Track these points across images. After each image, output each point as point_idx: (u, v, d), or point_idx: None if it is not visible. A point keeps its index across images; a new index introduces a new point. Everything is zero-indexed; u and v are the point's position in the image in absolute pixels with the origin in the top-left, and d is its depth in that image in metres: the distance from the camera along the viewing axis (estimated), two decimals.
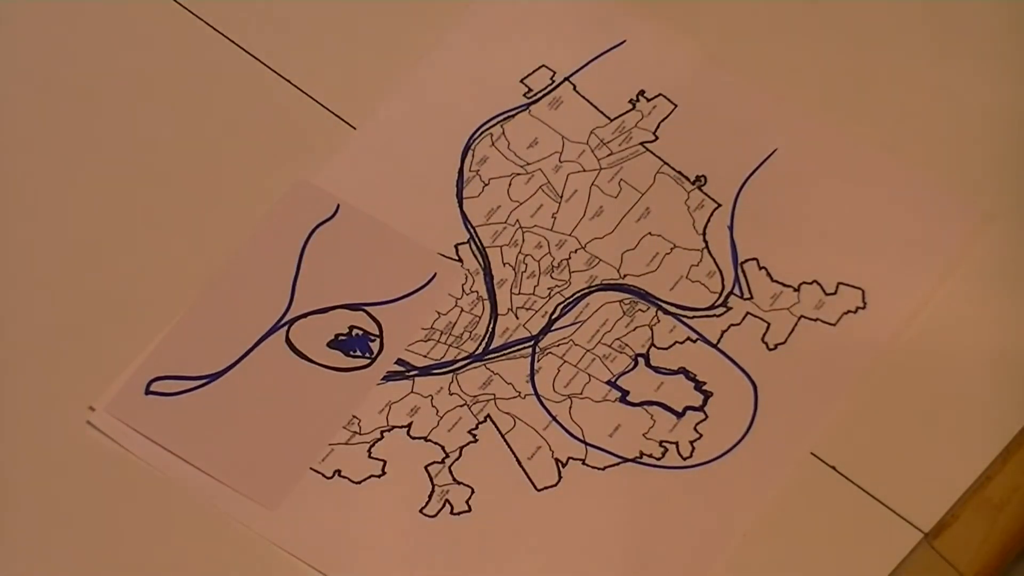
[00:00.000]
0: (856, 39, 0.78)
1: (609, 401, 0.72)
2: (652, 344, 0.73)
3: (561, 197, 0.76)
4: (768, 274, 0.74)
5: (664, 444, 0.71)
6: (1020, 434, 0.70)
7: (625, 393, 0.72)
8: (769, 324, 0.73)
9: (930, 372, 0.72)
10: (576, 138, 0.77)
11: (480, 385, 0.72)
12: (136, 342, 0.72)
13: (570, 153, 0.76)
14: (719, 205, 0.75)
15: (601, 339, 0.73)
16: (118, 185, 0.76)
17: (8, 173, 0.76)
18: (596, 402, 0.72)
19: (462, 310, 0.74)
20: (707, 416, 0.71)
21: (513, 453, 0.71)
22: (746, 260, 0.74)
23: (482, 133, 0.77)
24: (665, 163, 0.76)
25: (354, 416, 0.72)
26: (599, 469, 0.71)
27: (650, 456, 0.71)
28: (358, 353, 0.73)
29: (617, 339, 0.73)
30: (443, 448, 0.71)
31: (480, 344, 0.73)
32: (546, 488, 0.70)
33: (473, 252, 0.75)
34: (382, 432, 0.71)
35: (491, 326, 0.73)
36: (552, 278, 0.74)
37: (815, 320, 0.73)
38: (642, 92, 0.77)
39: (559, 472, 0.71)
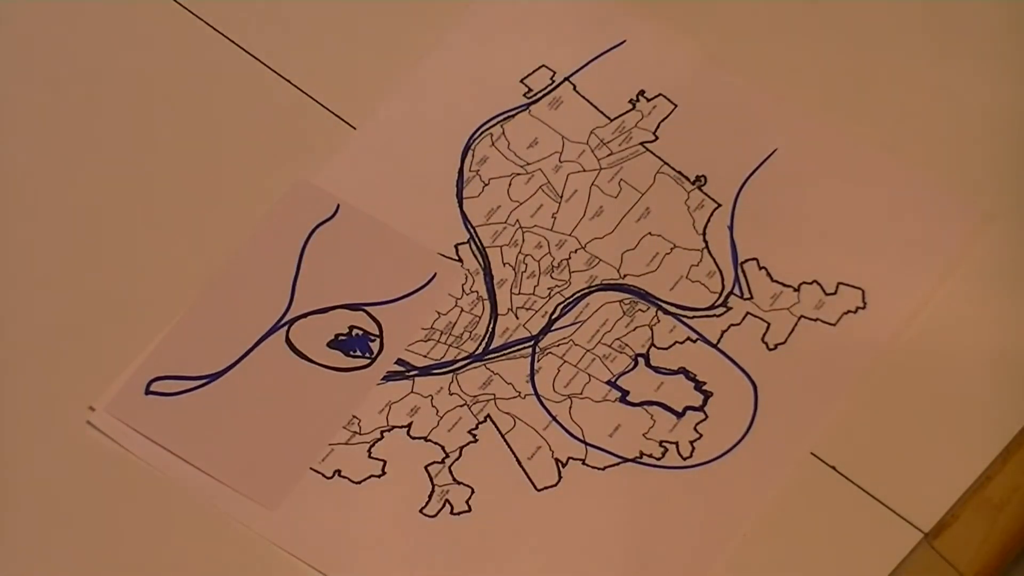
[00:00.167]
0: (856, 39, 0.78)
1: (609, 401, 0.72)
2: (652, 344, 0.73)
3: (561, 197, 0.76)
4: (768, 274, 0.74)
5: (664, 444, 0.71)
6: (1020, 434, 0.70)
7: (625, 393, 0.72)
8: (769, 324, 0.73)
9: (930, 372, 0.72)
10: (576, 138, 0.77)
11: (480, 385, 0.72)
12: (136, 342, 0.72)
13: (570, 153, 0.76)
14: (719, 205, 0.75)
15: (601, 339, 0.73)
16: (118, 185, 0.76)
17: (8, 173, 0.76)
18: (596, 402, 0.72)
19: (462, 310, 0.74)
20: (707, 416, 0.71)
21: (513, 453, 0.71)
22: (746, 260, 0.74)
23: (482, 133, 0.77)
24: (665, 163, 0.76)
25: (354, 416, 0.72)
26: (599, 469, 0.71)
27: (650, 456, 0.71)
28: (358, 353, 0.73)
29: (617, 339, 0.73)
30: (443, 448, 0.71)
31: (480, 344, 0.73)
32: (546, 488, 0.70)
33: (473, 252, 0.75)
34: (382, 432, 0.71)
35: (491, 326, 0.73)
36: (552, 278, 0.74)
37: (815, 320, 0.73)
38: (642, 92, 0.77)
39: (559, 472, 0.71)
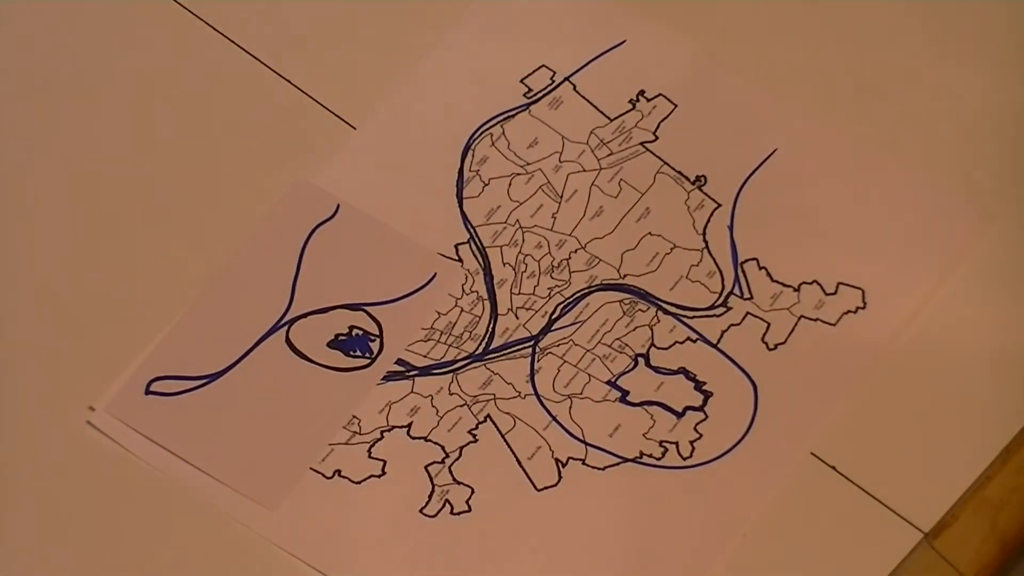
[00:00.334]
0: (856, 39, 0.78)
1: (609, 401, 0.72)
2: (652, 344, 0.73)
3: (561, 197, 0.76)
4: (768, 274, 0.74)
5: (664, 444, 0.71)
6: (1020, 434, 0.70)
7: (625, 393, 0.72)
8: (769, 324, 0.73)
9: (930, 372, 0.72)
10: (576, 138, 0.77)
11: (480, 385, 0.72)
12: (136, 342, 0.72)
13: (570, 153, 0.76)
14: (719, 205, 0.75)
15: (601, 339, 0.73)
16: (118, 185, 0.76)
17: (8, 173, 0.76)
18: (596, 402, 0.72)
19: (462, 310, 0.74)
20: (707, 416, 0.71)
21: (513, 453, 0.71)
22: (746, 260, 0.74)
23: (482, 133, 0.77)
24: (665, 163, 0.76)
25: (354, 416, 0.72)
26: (599, 469, 0.71)
27: (650, 456, 0.71)
28: (358, 353, 0.73)
29: (617, 339, 0.73)
30: (443, 448, 0.71)
31: (480, 344, 0.73)
32: (546, 488, 0.70)
33: (473, 252, 0.75)
34: (382, 432, 0.71)
35: (491, 326, 0.73)
36: (552, 278, 0.74)
37: (815, 320, 0.73)
38: (642, 92, 0.77)
39: (559, 472, 0.71)
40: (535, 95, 0.78)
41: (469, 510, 0.70)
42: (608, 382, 0.72)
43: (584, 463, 0.71)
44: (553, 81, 0.78)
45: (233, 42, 0.78)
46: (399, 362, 0.73)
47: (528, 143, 0.77)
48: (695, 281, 0.74)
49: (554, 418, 0.72)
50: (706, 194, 0.75)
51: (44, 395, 0.72)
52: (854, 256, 0.74)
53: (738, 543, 0.69)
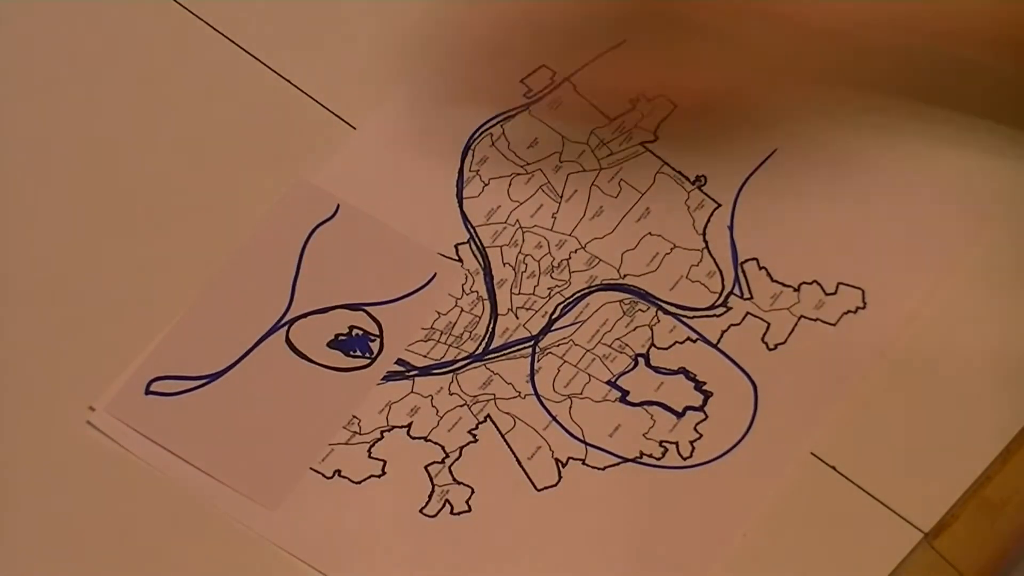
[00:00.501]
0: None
1: (609, 401, 0.72)
2: (652, 344, 0.73)
3: (561, 197, 0.76)
4: (768, 274, 0.74)
5: (664, 444, 0.71)
6: (1020, 434, 0.70)
7: (625, 393, 0.72)
8: (769, 324, 0.73)
9: (930, 372, 0.72)
10: (576, 138, 0.77)
11: (480, 385, 0.72)
12: (136, 342, 0.72)
13: (570, 153, 0.76)
14: (719, 205, 0.75)
15: (601, 339, 0.73)
16: (118, 185, 0.76)
17: (8, 173, 0.76)
18: (596, 402, 0.72)
19: (462, 310, 0.74)
20: (707, 416, 0.71)
21: (513, 453, 0.71)
22: (746, 260, 0.74)
23: (482, 133, 0.77)
24: (665, 163, 0.76)
25: (354, 416, 0.72)
26: (599, 469, 0.71)
27: (650, 456, 0.71)
28: (358, 353, 0.73)
29: (617, 339, 0.73)
30: (443, 448, 0.71)
31: (480, 344, 0.73)
32: (546, 488, 0.70)
33: (473, 252, 0.75)
34: (382, 432, 0.71)
35: (491, 326, 0.73)
36: (552, 278, 0.74)
37: (815, 320, 0.73)
38: (642, 92, 0.77)
39: (559, 472, 0.71)
40: (535, 95, 0.77)
41: (469, 510, 0.70)
42: (608, 382, 0.72)
43: (584, 463, 0.71)
44: (553, 81, 0.78)
45: (233, 42, 0.78)
46: (399, 362, 0.73)
47: (528, 143, 0.77)
48: (695, 281, 0.74)
49: (554, 418, 0.72)
50: (706, 194, 0.75)
51: (44, 395, 0.72)
52: (854, 256, 0.74)
53: (738, 543, 0.69)
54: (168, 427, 0.71)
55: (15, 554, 0.70)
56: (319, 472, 0.71)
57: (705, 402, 0.72)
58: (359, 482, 0.70)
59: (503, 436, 0.71)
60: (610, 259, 0.74)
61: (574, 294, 0.74)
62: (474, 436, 0.71)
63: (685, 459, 0.71)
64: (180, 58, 0.78)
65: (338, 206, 0.75)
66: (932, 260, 0.73)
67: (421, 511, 0.70)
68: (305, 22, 0.79)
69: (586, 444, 0.71)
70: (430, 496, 0.70)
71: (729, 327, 0.73)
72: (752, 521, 0.69)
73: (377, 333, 0.73)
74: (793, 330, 0.73)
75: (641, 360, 0.72)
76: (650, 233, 0.75)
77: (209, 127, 0.77)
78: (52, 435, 0.71)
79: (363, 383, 0.72)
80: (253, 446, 0.71)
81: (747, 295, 0.73)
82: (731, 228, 0.75)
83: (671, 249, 0.74)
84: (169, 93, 0.78)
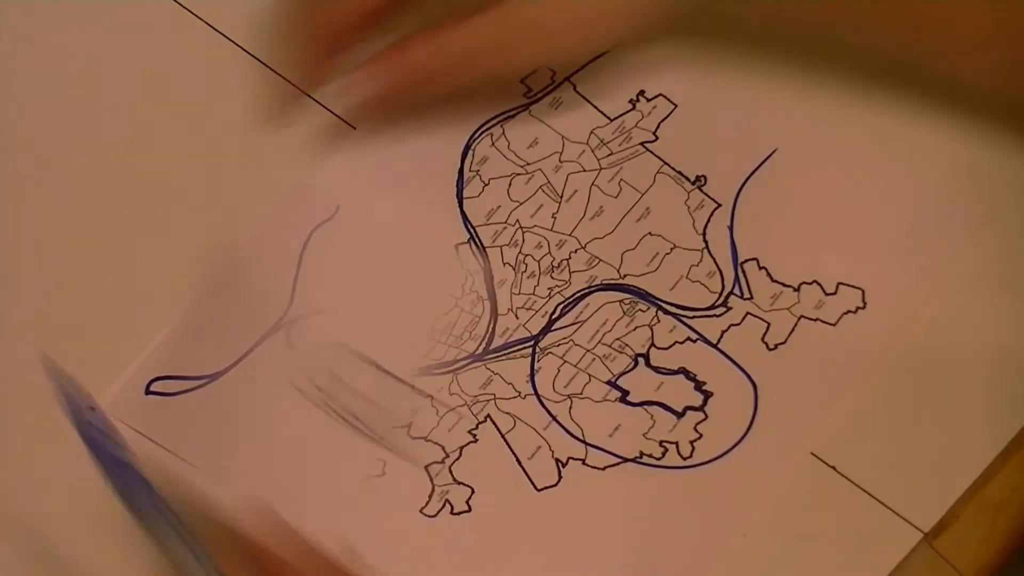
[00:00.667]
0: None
1: (609, 401, 0.72)
2: (652, 344, 0.73)
3: (561, 197, 0.76)
4: (768, 274, 0.74)
5: (664, 444, 0.71)
6: (1020, 434, 0.70)
7: (625, 393, 0.72)
8: (769, 324, 0.73)
9: (930, 372, 0.72)
10: (576, 138, 0.77)
11: (480, 385, 0.72)
12: (136, 342, 0.72)
13: (570, 153, 0.76)
14: (719, 205, 0.75)
15: (601, 339, 0.73)
16: (118, 185, 0.76)
17: (8, 173, 0.76)
18: (596, 402, 0.72)
19: (462, 310, 0.74)
20: (707, 416, 0.71)
21: (513, 453, 0.71)
22: (746, 260, 0.74)
23: (482, 133, 0.77)
24: (665, 163, 0.76)
25: None
26: (599, 469, 0.71)
27: (650, 456, 0.71)
28: None
29: (617, 339, 0.73)
30: (443, 448, 0.71)
31: (480, 344, 0.73)
32: (546, 488, 0.70)
33: (473, 252, 0.75)
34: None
35: (491, 326, 0.73)
36: (552, 278, 0.74)
37: (815, 320, 0.73)
38: (642, 92, 0.77)
39: (559, 472, 0.71)
40: (535, 95, 0.77)
41: (469, 510, 0.70)
42: (608, 382, 0.72)
43: (584, 463, 0.71)
44: (553, 81, 0.78)
45: (233, 42, 0.78)
46: None
47: (528, 143, 0.77)
48: (695, 281, 0.74)
49: (554, 418, 0.72)
50: (706, 194, 0.75)
51: (44, 395, 0.72)
52: (854, 256, 0.74)
53: (738, 543, 0.69)
54: (168, 427, 0.71)
55: (15, 554, 0.70)
56: None
57: (705, 402, 0.72)
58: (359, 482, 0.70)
59: (503, 436, 0.71)
60: (610, 259, 0.74)
61: (574, 294, 0.74)
62: (474, 436, 0.71)
63: (685, 459, 0.71)
64: (180, 58, 0.78)
65: (338, 206, 0.75)
66: (932, 260, 0.73)
67: (421, 511, 0.70)
68: None
69: (586, 444, 0.71)
70: (430, 496, 0.70)
71: (729, 327, 0.73)
72: (752, 521, 0.69)
73: None
74: (793, 330, 0.73)
75: (641, 360, 0.72)
76: (650, 233, 0.75)
77: (209, 127, 0.77)
78: (52, 435, 0.71)
79: None
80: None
81: (747, 295, 0.73)
82: (731, 228, 0.75)
83: (671, 249, 0.74)
84: (169, 93, 0.78)
